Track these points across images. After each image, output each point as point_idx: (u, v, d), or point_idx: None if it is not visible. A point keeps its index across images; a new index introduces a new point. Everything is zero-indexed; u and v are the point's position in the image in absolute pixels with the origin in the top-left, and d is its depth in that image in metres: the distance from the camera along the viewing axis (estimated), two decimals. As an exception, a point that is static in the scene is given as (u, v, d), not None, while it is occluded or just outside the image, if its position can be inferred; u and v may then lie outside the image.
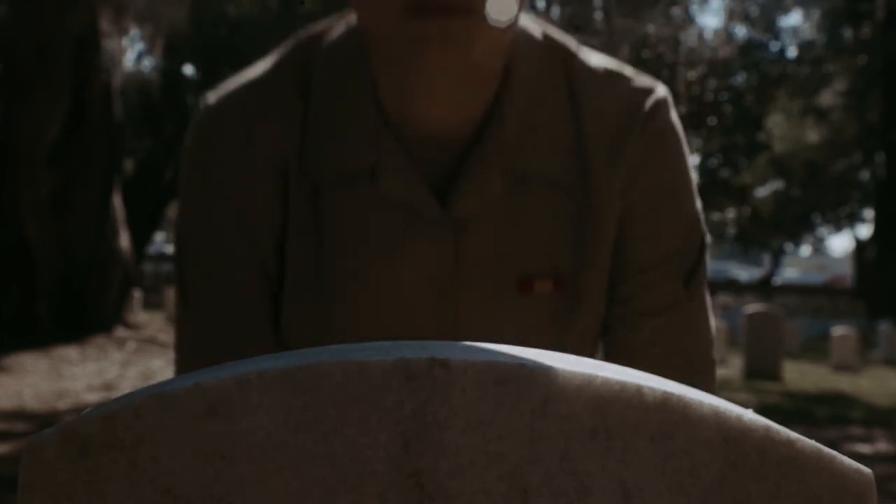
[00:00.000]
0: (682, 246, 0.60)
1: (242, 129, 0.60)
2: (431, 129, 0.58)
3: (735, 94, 17.50)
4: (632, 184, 0.58)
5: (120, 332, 8.05)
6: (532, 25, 0.61)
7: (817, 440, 0.31)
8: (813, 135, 20.41)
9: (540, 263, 0.58)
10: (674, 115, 0.60)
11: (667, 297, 0.60)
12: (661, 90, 0.60)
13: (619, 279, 0.60)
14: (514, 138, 0.57)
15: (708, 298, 0.64)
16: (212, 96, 0.63)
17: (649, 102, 0.59)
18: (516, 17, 0.56)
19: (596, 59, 0.61)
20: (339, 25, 0.63)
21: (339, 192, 0.59)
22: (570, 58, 0.60)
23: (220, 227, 0.60)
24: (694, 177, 0.60)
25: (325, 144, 0.59)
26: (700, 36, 16.21)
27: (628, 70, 0.61)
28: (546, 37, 0.61)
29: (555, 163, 0.58)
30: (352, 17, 0.62)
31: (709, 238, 0.62)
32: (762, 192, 22.66)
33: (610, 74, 0.60)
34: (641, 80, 0.61)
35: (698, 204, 0.61)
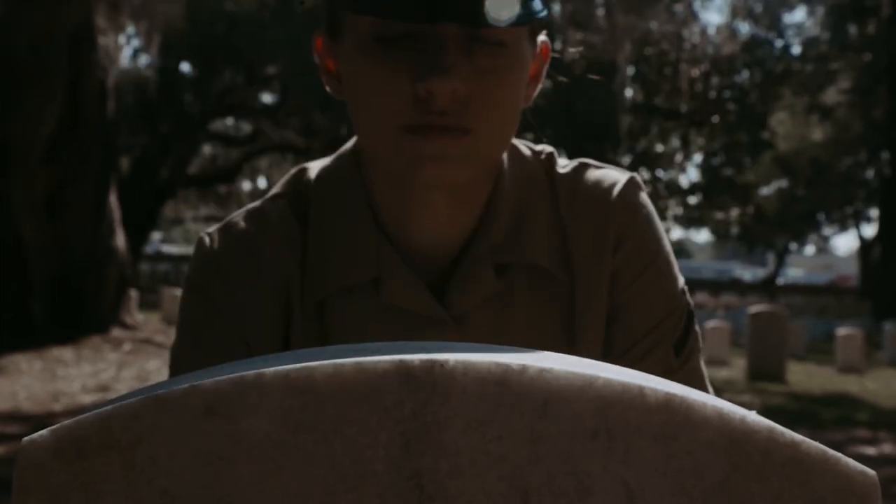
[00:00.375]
0: (669, 315, 0.64)
1: (243, 255, 0.63)
2: (428, 241, 0.62)
3: (738, 91, 17.46)
4: (616, 265, 0.63)
5: (116, 332, 7.98)
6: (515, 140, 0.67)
7: (822, 442, 0.31)
8: (817, 133, 20.35)
9: (534, 345, 0.61)
10: (643, 196, 0.65)
11: (659, 365, 0.63)
12: (626, 175, 0.66)
13: (614, 355, 0.64)
14: (503, 237, 0.62)
15: (704, 369, 0.67)
16: (213, 228, 0.66)
17: (618, 189, 0.64)
18: (509, 137, 0.61)
19: (564, 161, 0.68)
20: (328, 159, 0.68)
21: (342, 304, 0.62)
22: (551, 164, 0.66)
23: (219, 344, 0.62)
24: (670, 251, 0.65)
25: (326, 263, 0.62)
26: (703, 33, 16.18)
27: (593, 162, 0.67)
28: (529, 148, 0.67)
29: (542, 254, 0.63)
30: (343, 148, 0.67)
31: (692, 307, 0.66)
32: (766, 190, 22.62)
33: (577, 169, 0.66)
34: (606, 169, 0.67)
35: (680, 279, 0.65)
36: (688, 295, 0.66)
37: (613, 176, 0.66)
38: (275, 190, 0.67)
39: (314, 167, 0.68)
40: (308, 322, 0.62)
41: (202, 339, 0.63)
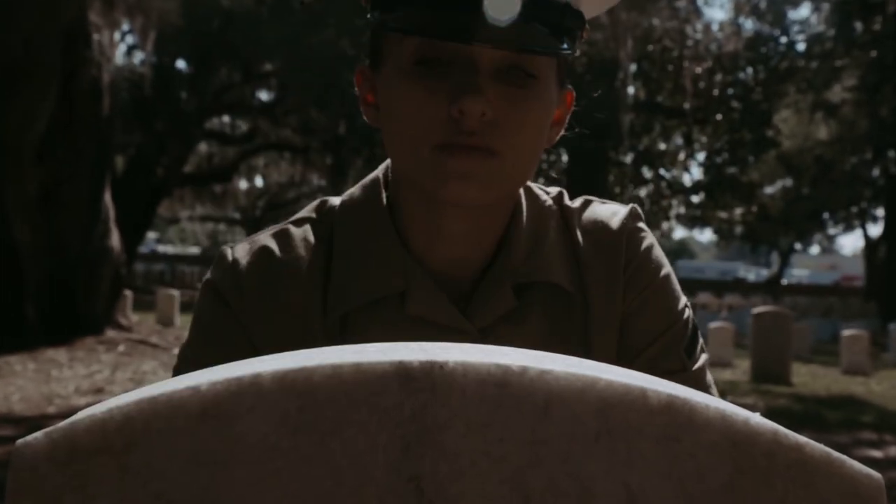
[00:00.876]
0: (670, 328, 0.70)
1: (263, 272, 0.66)
2: (452, 262, 0.67)
3: (742, 88, 17.41)
4: (627, 283, 0.70)
5: (110, 333, 7.93)
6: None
7: (827, 445, 0.30)
8: (823, 131, 20.28)
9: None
10: (643, 224, 0.72)
11: (674, 364, 0.69)
12: (629, 207, 0.73)
13: (630, 359, 0.69)
14: (522, 259, 0.68)
15: (712, 383, 0.72)
16: (237, 243, 0.69)
17: (622, 216, 0.71)
18: (532, 166, 0.66)
19: (571, 200, 0.75)
20: (351, 189, 0.72)
21: (367, 317, 0.66)
22: (561, 199, 0.73)
23: (228, 347, 0.65)
24: (671, 273, 0.72)
25: (352, 279, 0.66)
26: (706, 29, 16.15)
27: (597, 199, 0.74)
28: (541, 188, 0.74)
29: (557, 274, 0.68)
30: (366, 178, 0.72)
31: (695, 323, 0.73)
32: (770, 189, 22.57)
33: (584, 203, 0.73)
34: (610, 203, 0.74)
35: (683, 298, 0.72)
36: (690, 312, 0.72)
37: (617, 208, 0.73)
38: (298, 215, 0.71)
39: (336, 198, 0.72)
40: (330, 338, 0.65)
41: (213, 339, 0.66)
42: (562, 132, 0.70)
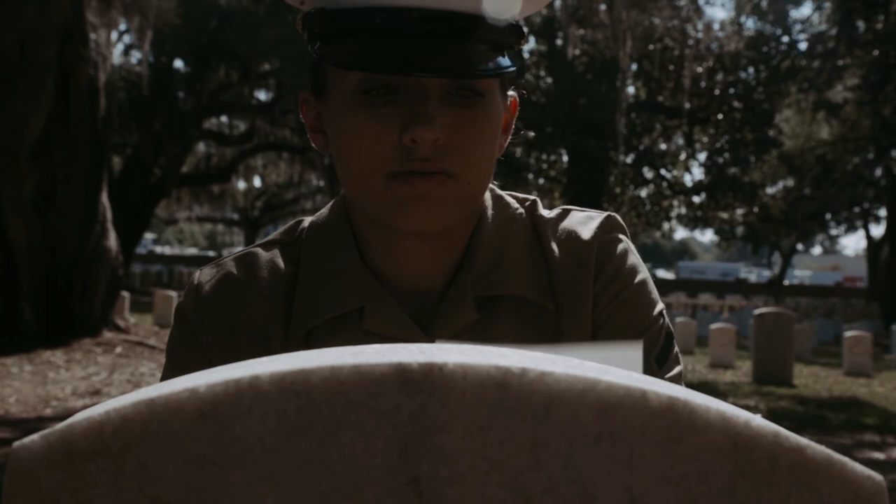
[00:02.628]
0: (650, 329, 0.69)
1: (223, 291, 0.69)
2: (413, 279, 0.68)
3: (744, 88, 17.38)
4: (596, 290, 0.69)
5: (107, 335, 7.88)
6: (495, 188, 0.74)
7: (829, 447, 0.30)
8: (825, 130, 20.25)
9: None
10: (619, 230, 0.72)
11: (644, 373, 0.67)
12: (605, 214, 0.73)
13: None
14: (485, 272, 0.68)
15: (684, 388, 0.70)
16: (207, 266, 0.72)
17: (596, 224, 0.71)
18: (487, 181, 0.66)
19: (546, 210, 0.75)
20: (323, 209, 0.74)
21: (328, 333, 0.68)
22: (534, 209, 0.73)
23: (188, 367, 0.68)
24: (648, 279, 0.71)
25: (315, 297, 0.68)
26: (708, 28, 16.14)
27: (576, 207, 0.74)
28: (513, 196, 0.74)
29: (522, 286, 0.68)
30: (335, 198, 0.74)
31: (672, 330, 0.72)
32: (772, 189, 22.54)
33: (561, 213, 0.73)
34: (589, 212, 0.73)
35: (659, 304, 0.72)
36: (666, 321, 0.72)
37: (593, 215, 0.73)
38: (269, 237, 0.74)
39: (309, 218, 0.74)
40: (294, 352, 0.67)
41: (176, 361, 0.70)
42: (510, 138, 0.70)
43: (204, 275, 0.70)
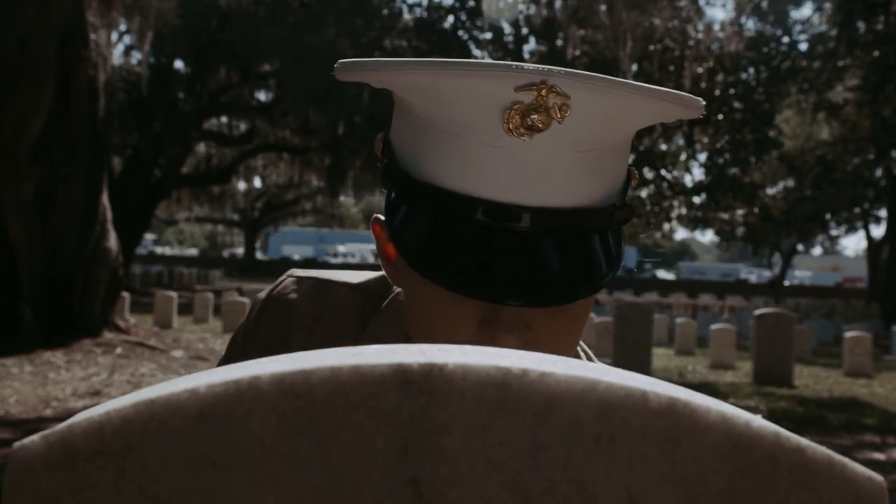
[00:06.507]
0: None
1: (288, 311, 0.67)
2: None
3: (744, 89, 17.38)
4: None
5: (108, 335, 7.87)
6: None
7: (830, 447, 0.30)
8: (825, 131, 20.24)
9: None
10: None
11: None
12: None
13: None
14: None
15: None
16: (302, 273, 0.69)
17: None
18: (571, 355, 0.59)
19: None
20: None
21: None
22: None
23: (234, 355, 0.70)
24: None
25: None
26: (708, 29, 16.13)
27: None
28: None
29: None
30: None
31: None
32: (772, 190, 22.53)
33: None
34: None
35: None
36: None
37: None
38: (366, 278, 0.68)
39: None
40: None
41: (229, 353, 0.71)
42: None
43: (285, 284, 0.68)
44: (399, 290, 0.66)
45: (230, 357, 0.70)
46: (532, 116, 0.49)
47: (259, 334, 0.67)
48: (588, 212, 0.52)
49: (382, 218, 0.60)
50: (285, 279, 0.69)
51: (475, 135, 0.51)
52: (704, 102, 0.54)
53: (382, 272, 0.66)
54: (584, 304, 0.56)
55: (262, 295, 0.69)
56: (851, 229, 27.61)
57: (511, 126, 0.50)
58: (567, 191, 0.51)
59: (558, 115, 0.49)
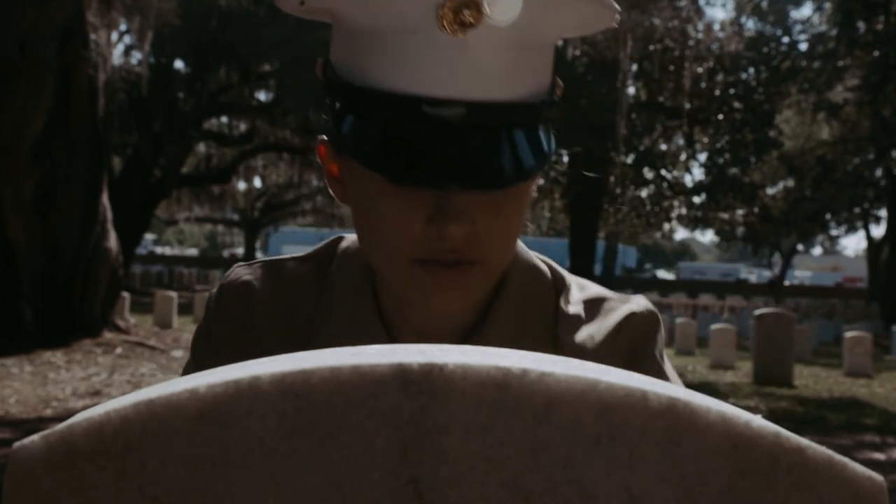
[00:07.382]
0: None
1: (242, 295, 0.68)
2: (424, 336, 0.65)
3: (744, 88, 17.38)
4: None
5: (108, 335, 7.85)
6: (533, 254, 0.69)
7: (830, 447, 0.30)
8: (825, 131, 20.25)
9: None
10: (650, 323, 0.66)
11: None
12: (637, 304, 0.67)
13: None
14: (499, 337, 0.65)
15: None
16: (245, 263, 0.71)
17: (625, 312, 0.65)
18: (511, 255, 0.62)
19: (589, 289, 0.68)
20: (352, 237, 0.70)
21: None
22: (562, 285, 0.67)
23: (203, 362, 0.69)
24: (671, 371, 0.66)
25: (327, 335, 0.66)
26: (708, 29, 16.14)
27: (611, 294, 0.68)
28: (548, 266, 0.69)
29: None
30: None
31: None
32: (772, 190, 22.54)
33: (594, 301, 0.67)
34: (623, 298, 0.68)
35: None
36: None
37: (624, 299, 0.67)
38: (312, 249, 0.71)
39: (349, 239, 0.70)
40: None
41: (194, 352, 0.71)
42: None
43: (235, 272, 0.69)
44: (345, 245, 0.69)
45: (196, 357, 0.70)
46: (464, 12, 0.53)
47: (221, 322, 0.68)
48: (518, 106, 0.56)
49: (326, 138, 0.63)
50: (234, 268, 0.70)
51: (412, 35, 0.54)
52: (619, 9, 0.59)
53: (326, 241, 0.70)
54: (520, 203, 0.60)
55: (215, 289, 0.70)
56: (851, 229, 27.63)
57: (445, 23, 0.53)
58: (499, 86, 0.55)
59: (488, 11, 0.53)
